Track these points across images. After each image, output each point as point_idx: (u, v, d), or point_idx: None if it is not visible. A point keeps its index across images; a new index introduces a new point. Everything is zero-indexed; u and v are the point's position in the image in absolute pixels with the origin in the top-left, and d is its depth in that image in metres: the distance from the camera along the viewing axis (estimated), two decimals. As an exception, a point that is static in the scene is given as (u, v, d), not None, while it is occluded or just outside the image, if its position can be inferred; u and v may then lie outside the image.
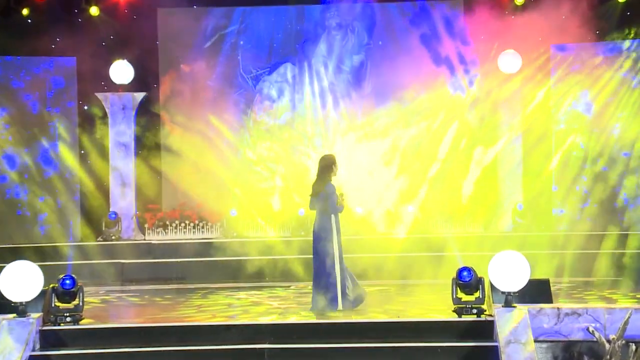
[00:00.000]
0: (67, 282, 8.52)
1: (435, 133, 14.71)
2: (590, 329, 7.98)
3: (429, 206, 14.35)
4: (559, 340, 8.11)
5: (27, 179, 14.83)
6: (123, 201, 14.55)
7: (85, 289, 8.78)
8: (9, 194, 14.79)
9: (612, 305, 8.54)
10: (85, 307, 8.73)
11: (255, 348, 8.21)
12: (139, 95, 14.72)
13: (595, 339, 7.94)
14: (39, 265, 8.35)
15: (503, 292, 8.24)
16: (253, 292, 11.91)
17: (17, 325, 8.10)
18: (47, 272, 8.54)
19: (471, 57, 14.47)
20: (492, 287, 8.36)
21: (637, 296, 10.22)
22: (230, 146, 15.18)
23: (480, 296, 8.51)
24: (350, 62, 15.23)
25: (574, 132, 14.45)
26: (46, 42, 14.54)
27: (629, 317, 7.88)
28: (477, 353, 8.10)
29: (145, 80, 14.91)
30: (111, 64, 14.41)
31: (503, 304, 8.22)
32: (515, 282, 8.20)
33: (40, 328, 8.30)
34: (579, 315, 8.14)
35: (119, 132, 14.64)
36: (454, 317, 8.50)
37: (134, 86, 14.65)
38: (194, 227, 14.45)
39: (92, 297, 11.10)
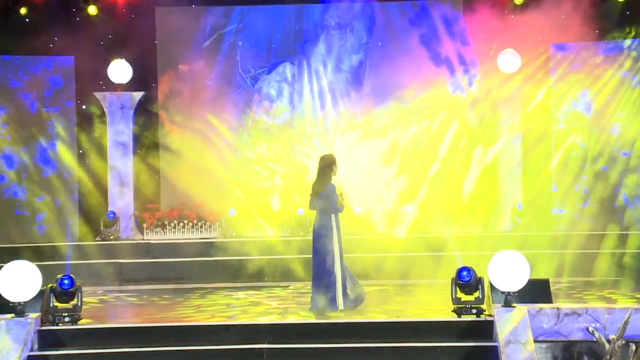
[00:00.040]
0: (66, 282, 8.51)
1: (434, 133, 14.68)
2: (590, 329, 7.97)
3: (428, 206, 14.32)
4: (559, 340, 8.11)
5: (25, 178, 14.79)
6: (121, 201, 14.52)
7: (83, 288, 8.77)
8: (7, 193, 14.76)
9: (612, 305, 8.53)
10: (83, 307, 8.72)
11: (254, 348, 8.19)
12: (138, 95, 14.68)
13: (595, 339, 7.93)
14: (37, 265, 8.34)
15: (503, 292, 8.24)
16: (252, 292, 11.89)
17: (15, 325, 8.09)
18: (46, 272, 8.52)
19: (470, 56, 14.44)
20: (492, 287, 8.36)
21: (637, 296, 10.20)
22: (229, 146, 15.15)
23: (480, 296, 8.51)
24: (350, 62, 15.20)
25: (573, 132, 14.42)
26: (44, 41, 14.49)
27: (628, 317, 7.88)
28: (476, 353, 8.10)
29: (143, 79, 14.87)
30: (109, 63, 14.37)
31: (503, 304, 8.23)
32: (514, 282, 8.20)
33: (38, 328, 8.30)
34: (579, 315, 8.13)
35: (118, 131, 14.61)
36: (453, 317, 8.50)
37: (133, 85, 14.61)
38: (192, 227, 14.42)
39: (90, 297, 11.08)
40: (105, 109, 14.63)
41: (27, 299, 8.23)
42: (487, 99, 14.45)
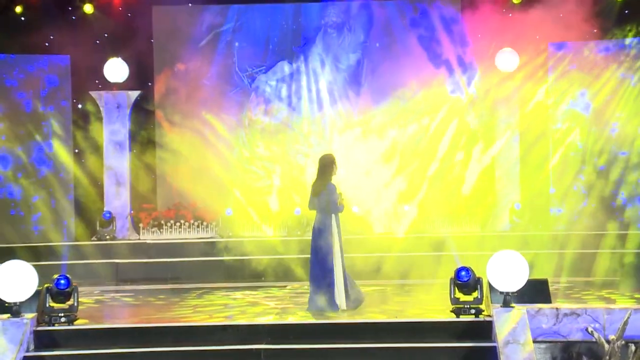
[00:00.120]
0: (62, 282, 8.46)
1: (432, 132, 14.66)
2: (590, 329, 7.95)
3: (427, 205, 14.30)
4: (558, 340, 8.09)
5: (20, 178, 14.73)
6: (118, 200, 14.47)
7: (79, 289, 8.72)
8: (3, 193, 14.70)
9: (612, 306, 8.50)
10: (79, 307, 8.68)
11: (251, 349, 8.15)
12: (134, 94, 14.64)
13: (594, 340, 7.91)
14: (33, 265, 8.30)
15: (501, 292, 8.21)
16: (249, 292, 11.86)
17: (11, 325, 8.05)
18: (42, 272, 8.48)
19: (469, 55, 14.42)
20: (491, 287, 8.34)
21: (636, 296, 10.19)
22: (226, 145, 15.10)
23: (479, 296, 8.48)
24: (347, 61, 15.17)
25: (572, 131, 14.40)
26: (40, 40, 14.44)
27: (628, 318, 7.86)
28: (475, 353, 8.07)
29: (140, 78, 14.81)
30: (106, 62, 14.32)
31: (501, 304, 8.21)
32: (513, 282, 8.17)
33: (34, 328, 8.27)
34: (578, 315, 8.11)
35: (114, 130, 14.56)
36: (452, 318, 8.48)
37: (129, 84, 14.56)
38: (189, 227, 14.37)
39: (86, 297, 11.03)
40: (101, 108, 14.58)
41: (23, 299, 8.19)
42: (486, 99, 14.44)
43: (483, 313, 8.41)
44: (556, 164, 14.37)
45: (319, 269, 9.53)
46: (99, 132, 14.62)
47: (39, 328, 8.31)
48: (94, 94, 14.59)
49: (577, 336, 8.05)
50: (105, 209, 14.38)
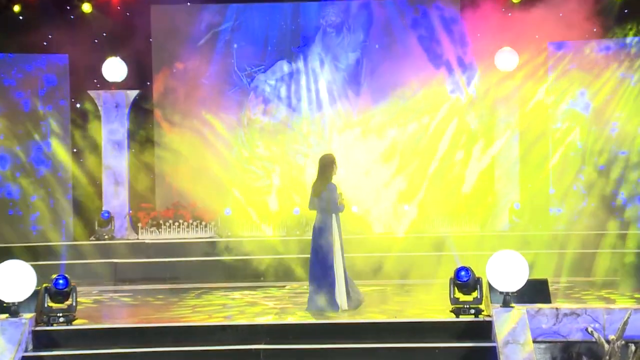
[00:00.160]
0: (60, 282, 8.44)
1: (432, 131, 14.64)
2: (589, 329, 7.94)
3: (426, 205, 14.29)
4: (558, 340, 8.08)
5: (19, 177, 14.70)
6: (116, 200, 14.44)
7: (78, 288, 8.69)
8: (1, 192, 14.67)
9: (612, 306, 8.49)
10: (78, 307, 8.65)
11: (250, 349, 8.13)
12: (132, 93, 14.60)
13: (594, 340, 7.89)
14: (32, 265, 8.27)
15: (501, 292, 8.20)
16: (247, 292, 11.83)
17: (10, 325, 8.02)
18: (40, 271, 8.45)
19: (468, 55, 14.40)
20: (490, 287, 8.32)
21: (636, 296, 10.17)
22: (225, 144, 15.07)
23: (478, 296, 8.46)
24: (346, 60, 15.14)
25: (571, 131, 14.39)
26: (38, 39, 14.41)
27: (628, 318, 7.85)
28: (475, 354, 8.06)
29: (138, 77, 14.77)
30: (104, 61, 14.28)
31: (501, 304, 8.19)
32: (513, 282, 8.15)
33: (32, 328, 8.25)
34: (578, 315, 8.10)
35: (112, 130, 14.53)
36: (451, 318, 8.46)
37: (127, 84, 14.53)
38: (188, 227, 14.35)
39: (85, 297, 11.01)
40: (99, 108, 14.55)
41: (21, 299, 8.17)
42: (485, 98, 14.43)
43: (483, 313, 8.40)
44: (556, 164, 14.36)
45: (320, 268, 9.50)
46: (97, 132, 14.59)
47: (38, 328, 8.29)
48: (92, 93, 14.56)
49: (577, 336, 8.03)
50: (103, 208, 14.35)
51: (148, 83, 15.06)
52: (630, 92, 13.94)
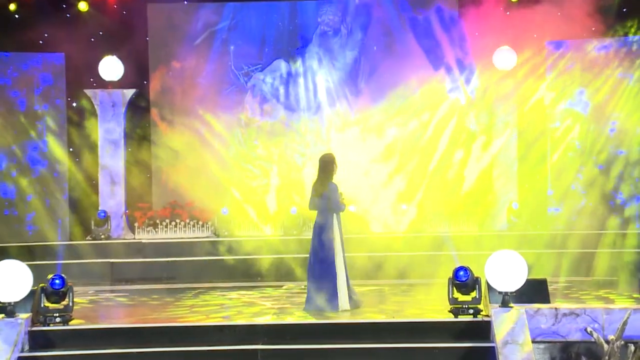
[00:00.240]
0: (57, 281, 8.40)
1: (431, 131, 14.60)
2: (589, 329, 7.92)
3: (424, 205, 14.26)
4: (557, 340, 8.07)
5: (14, 177, 14.64)
6: (112, 199, 14.38)
7: (74, 288, 8.64)
8: (-4, 192, 14.63)
9: (611, 306, 8.48)
10: (74, 307, 8.60)
11: (248, 349, 8.10)
12: (129, 92, 14.54)
13: (593, 340, 7.87)
14: (28, 265, 8.22)
15: (500, 292, 8.19)
16: (245, 292, 11.80)
17: (6, 326, 7.99)
18: (36, 271, 8.41)
19: (467, 54, 14.37)
20: (489, 287, 8.30)
21: (635, 296, 10.16)
22: (222, 144, 15.03)
23: (477, 296, 8.44)
24: (344, 59, 15.11)
25: (570, 130, 14.37)
26: (34, 38, 14.35)
27: (627, 318, 7.83)
28: (474, 354, 8.05)
29: (135, 76, 14.70)
30: (100, 60, 14.22)
31: (500, 304, 8.18)
32: (512, 282, 8.13)
33: (29, 329, 8.21)
34: (577, 315, 8.09)
35: (109, 129, 14.47)
36: (450, 318, 8.44)
37: (124, 83, 14.47)
38: (184, 226, 14.30)
39: (81, 297, 10.96)
40: (96, 107, 14.49)
41: (17, 299, 8.13)
42: (484, 97, 14.41)
43: (481, 313, 8.37)
44: (554, 163, 14.34)
45: (320, 268, 9.46)
46: (93, 131, 14.53)
47: (34, 328, 8.26)
48: (88, 92, 14.50)
49: (576, 336, 8.02)
50: (100, 208, 14.29)
51: (145, 82, 15.01)
52: (630, 91, 13.92)
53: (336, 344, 8.20)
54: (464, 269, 8.45)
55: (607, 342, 7.77)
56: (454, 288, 8.48)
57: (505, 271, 8.10)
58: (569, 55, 14.25)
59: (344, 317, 9.10)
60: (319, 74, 15.08)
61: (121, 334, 8.42)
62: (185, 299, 11.18)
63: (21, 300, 8.16)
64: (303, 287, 10.64)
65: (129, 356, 8.07)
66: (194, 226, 14.31)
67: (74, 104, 14.81)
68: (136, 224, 14.31)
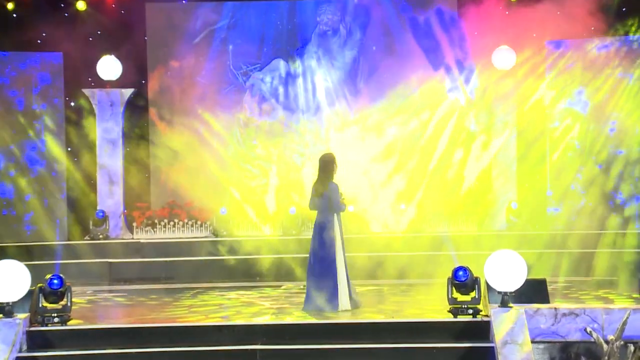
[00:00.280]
0: (55, 281, 8.37)
1: (430, 130, 14.59)
2: (588, 329, 7.91)
3: (423, 204, 14.25)
4: (556, 341, 8.06)
5: (12, 177, 14.61)
6: (111, 199, 14.36)
7: (72, 288, 8.61)
8: (-6, 192, 14.60)
9: (610, 306, 8.46)
10: (72, 307, 8.58)
11: (247, 349, 8.08)
12: (127, 92, 14.52)
13: (593, 340, 7.86)
14: (26, 265, 8.20)
15: (499, 292, 8.17)
16: (243, 292, 11.78)
17: (3, 326, 7.97)
18: (34, 271, 8.38)
19: (466, 53, 14.36)
20: (488, 286, 8.28)
21: (634, 296, 10.13)
22: (221, 143, 15.00)
23: (476, 296, 8.42)
24: (343, 59, 15.09)
25: (570, 130, 14.36)
26: (32, 37, 14.33)
27: (627, 318, 7.82)
28: (473, 354, 8.03)
29: (133, 76, 14.68)
30: (99, 59, 14.20)
31: (499, 304, 8.16)
32: (511, 282, 8.12)
33: (27, 329, 8.18)
34: (577, 315, 8.07)
35: (107, 128, 14.45)
36: (449, 318, 8.42)
37: (122, 82, 14.44)
38: (183, 226, 14.28)
39: (79, 297, 10.94)
40: (94, 106, 14.47)
41: (15, 299, 8.10)
42: (483, 97, 14.39)
43: (481, 313, 8.36)
44: (554, 163, 14.32)
45: (320, 267, 9.44)
46: (92, 130, 14.51)
47: (32, 328, 8.23)
48: (87, 91, 14.48)
49: (575, 336, 8.01)
50: (98, 207, 14.27)
51: (143, 81, 14.99)
52: (630, 90, 13.90)
53: (335, 344, 8.18)
54: (464, 269, 8.43)
55: (607, 342, 7.76)
56: (454, 288, 8.46)
57: (504, 271, 8.08)
58: (569, 55, 14.23)
59: (343, 317, 9.09)
60: (318, 74, 15.06)
61: (120, 334, 8.40)
62: (183, 299, 11.16)
63: (19, 300, 8.13)
64: (302, 287, 10.63)
65: (128, 356, 8.05)
66: (192, 226, 14.29)
67: (72, 104, 14.78)
68: (134, 224, 14.29)
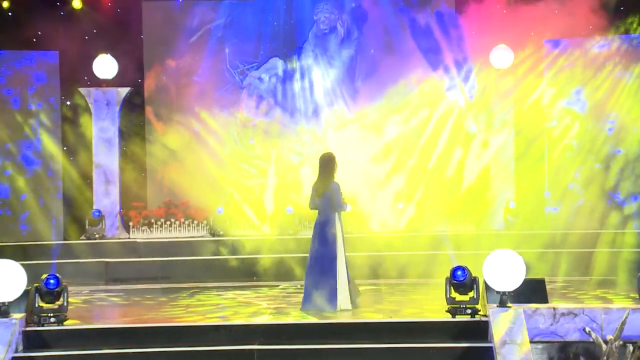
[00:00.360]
0: (51, 281, 8.33)
1: (428, 129, 14.56)
2: (587, 329, 7.89)
3: (421, 204, 14.22)
4: (555, 340, 8.05)
5: (8, 176, 14.56)
6: (107, 199, 14.31)
7: (69, 288, 8.57)
8: (-11, 191, 14.54)
9: (609, 306, 8.45)
10: (69, 307, 8.54)
11: (245, 349, 8.05)
12: (123, 91, 14.46)
13: (592, 340, 7.84)
14: (22, 265, 8.16)
15: (498, 292, 8.15)
16: (240, 291, 11.75)
17: (-1, 326, 7.90)
18: (30, 271, 8.35)
19: (464, 52, 14.34)
20: (487, 286, 8.26)
21: (632, 295, 10.11)
22: (217, 143, 14.96)
23: (475, 296, 8.41)
24: (340, 57, 15.05)
25: (568, 129, 14.34)
26: (28, 36, 14.27)
27: (626, 317, 7.80)
28: (471, 354, 8.01)
29: (129, 75, 14.63)
30: (95, 58, 14.14)
31: (498, 304, 8.14)
32: (510, 282, 8.10)
33: (23, 329, 8.15)
34: (576, 315, 8.06)
35: (103, 128, 14.39)
36: (448, 318, 8.40)
37: (118, 81, 14.39)
38: (179, 226, 14.23)
39: (75, 297, 10.90)
40: (90, 105, 14.41)
41: (11, 299, 8.07)
42: (482, 96, 14.37)
43: (479, 313, 8.34)
44: (552, 162, 14.30)
45: (321, 264, 9.41)
46: (88, 129, 14.46)
47: (28, 328, 8.19)
48: (83, 90, 14.42)
49: (574, 336, 7.99)
50: (94, 207, 14.21)
51: (139, 80, 14.94)
52: (629, 89, 13.89)
53: (333, 344, 8.16)
54: (462, 268, 8.41)
55: (606, 342, 7.74)
56: (452, 288, 8.44)
57: (503, 271, 8.06)
58: (567, 54, 14.21)
59: (340, 317, 9.07)
60: (316, 73, 15.02)
61: (116, 334, 8.37)
62: (180, 299, 11.12)
63: (15, 300, 8.09)
64: (299, 286, 10.61)
65: (125, 356, 8.02)
66: (189, 225, 14.25)
67: (68, 103, 14.73)
68: (131, 223, 14.24)
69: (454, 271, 8.43)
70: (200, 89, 14.96)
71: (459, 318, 8.33)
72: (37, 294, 8.33)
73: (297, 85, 15.05)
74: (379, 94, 14.74)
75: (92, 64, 14.14)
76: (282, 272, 12.74)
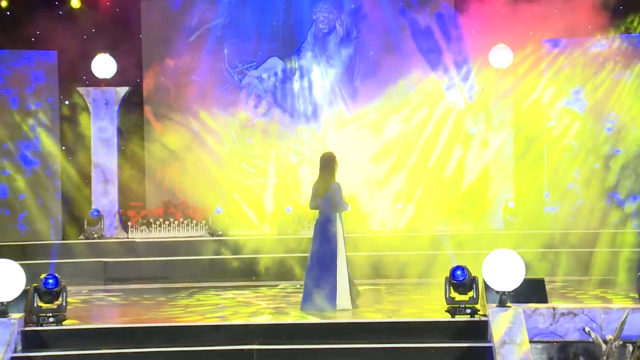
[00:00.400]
0: (50, 281, 8.31)
1: (427, 129, 14.56)
2: (587, 329, 7.88)
3: (421, 203, 14.21)
4: (555, 340, 8.03)
5: (6, 176, 14.54)
6: (105, 198, 14.29)
7: (67, 288, 8.55)
8: (-12, 192, 14.53)
9: (609, 305, 8.45)
10: (68, 307, 8.52)
11: (244, 349, 8.04)
12: (122, 90, 14.45)
13: (591, 340, 7.83)
14: (21, 264, 8.14)
15: (497, 292, 8.14)
16: (239, 291, 11.74)
17: (-2, 326, 7.89)
18: (29, 271, 8.33)
19: (464, 52, 14.33)
20: (486, 286, 8.25)
21: (632, 295, 10.11)
22: (216, 142, 14.95)
23: (474, 296, 8.40)
24: (339, 57, 15.04)
25: (567, 129, 14.34)
26: (26, 35, 14.26)
27: (626, 317, 7.79)
28: (471, 354, 8.01)
29: (128, 74, 14.62)
30: (93, 57, 14.12)
31: (497, 304, 8.13)
32: (510, 282, 8.09)
33: (22, 329, 8.14)
34: (575, 315, 8.05)
35: (102, 127, 14.38)
36: (447, 317, 8.39)
37: (117, 80, 14.37)
38: (178, 225, 14.22)
39: (74, 297, 10.88)
40: (89, 105, 14.40)
41: (10, 299, 8.06)
42: (481, 96, 14.36)
43: (479, 313, 8.33)
44: (551, 162, 14.30)
45: (322, 264, 9.40)
46: (86, 129, 14.45)
47: (27, 328, 8.18)
48: (81, 90, 14.41)
49: (574, 336, 7.98)
50: (93, 206, 14.19)
51: (138, 80, 14.93)
52: (629, 88, 13.89)
53: (332, 344, 8.15)
54: (462, 268, 8.41)
55: (605, 342, 7.73)
56: (451, 287, 8.43)
57: (502, 270, 8.05)
58: (567, 53, 14.21)
59: (340, 317, 9.06)
60: (315, 72, 15.01)
61: (115, 334, 8.35)
62: (179, 299, 11.11)
63: (14, 300, 8.08)
64: (299, 286, 10.60)
65: (124, 356, 8.01)
66: (188, 225, 14.23)
67: (67, 102, 14.72)
68: (129, 223, 14.22)
69: (453, 271, 8.42)
70: (199, 88, 14.95)
71: (458, 318, 8.32)
72: (35, 294, 8.31)
73: (296, 85, 15.04)
74: (378, 93, 14.73)
75: (90, 64, 14.13)
76: (281, 272, 12.72)
